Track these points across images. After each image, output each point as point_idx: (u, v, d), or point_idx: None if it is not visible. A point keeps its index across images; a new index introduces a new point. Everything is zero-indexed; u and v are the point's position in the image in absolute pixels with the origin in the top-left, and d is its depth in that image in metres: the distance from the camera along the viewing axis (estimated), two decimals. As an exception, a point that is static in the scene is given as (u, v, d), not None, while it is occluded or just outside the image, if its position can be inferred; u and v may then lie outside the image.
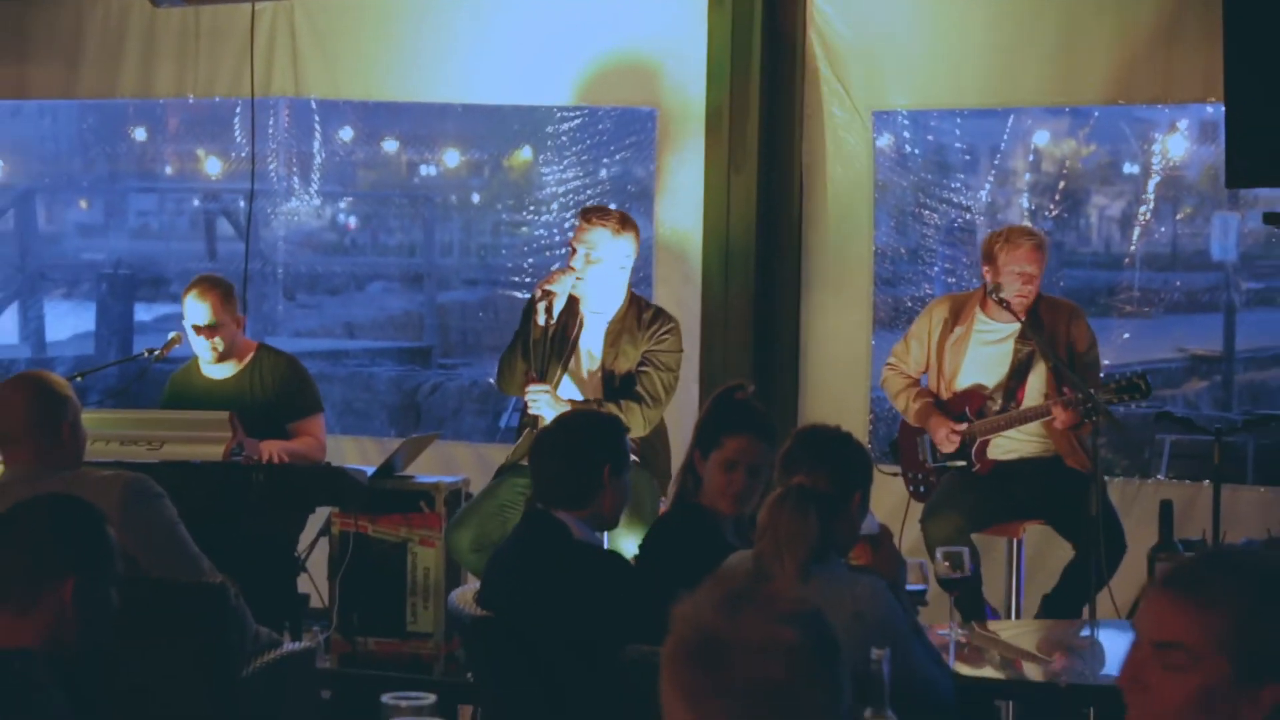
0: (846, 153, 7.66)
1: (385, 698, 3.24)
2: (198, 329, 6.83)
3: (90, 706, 3.63)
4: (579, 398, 6.59)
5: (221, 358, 6.86)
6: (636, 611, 4.22)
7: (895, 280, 8.44)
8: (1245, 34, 6.18)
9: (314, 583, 7.04)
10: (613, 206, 6.98)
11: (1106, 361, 7.04)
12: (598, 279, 6.57)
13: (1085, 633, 5.77)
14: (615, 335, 6.59)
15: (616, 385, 6.56)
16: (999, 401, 6.64)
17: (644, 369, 6.54)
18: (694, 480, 4.91)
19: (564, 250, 6.97)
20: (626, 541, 6.15)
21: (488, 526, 6.37)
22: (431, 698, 3.25)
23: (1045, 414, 6.48)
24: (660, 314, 6.68)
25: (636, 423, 6.45)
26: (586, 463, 4.62)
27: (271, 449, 6.64)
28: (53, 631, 3.51)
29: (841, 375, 7.74)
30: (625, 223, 6.65)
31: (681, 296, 7.53)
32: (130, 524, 4.71)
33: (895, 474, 7.04)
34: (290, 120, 9.29)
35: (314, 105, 9.04)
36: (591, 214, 6.68)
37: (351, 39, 8.26)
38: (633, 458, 5.31)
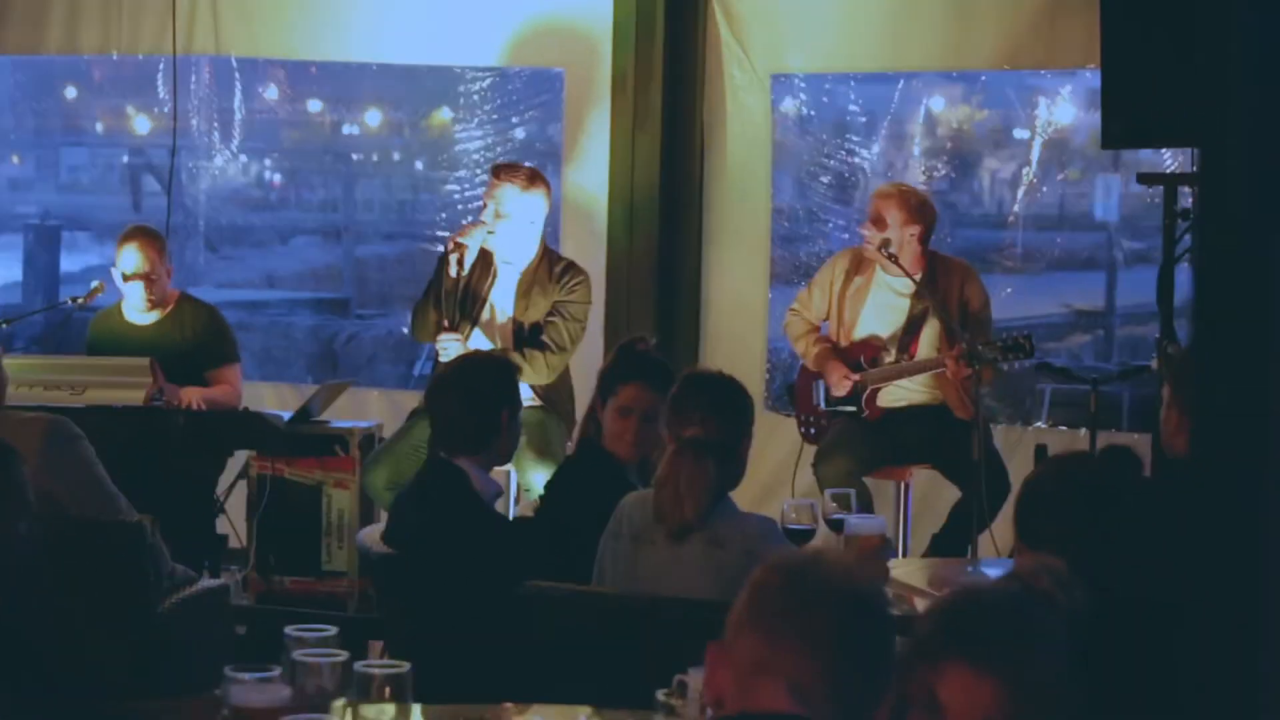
0: (746, 114, 7.88)
1: (289, 630, 3.24)
2: (131, 276, 6.95)
3: (3, 645, 3.64)
4: (486, 342, 6.80)
5: (152, 306, 7.02)
6: (524, 564, 4.46)
7: (794, 238, 8.65)
8: (1120, 1, 6.38)
9: (232, 524, 7.16)
10: (526, 164, 7.16)
11: (997, 316, 7.26)
12: (507, 233, 6.78)
13: (970, 569, 5.96)
14: (527, 286, 6.80)
15: (525, 334, 6.77)
16: (892, 353, 6.85)
17: (552, 319, 6.75)
18: (596, 426, 5.09)
19: (477, 206, 7.18)
20: (536, 476, 6.41)
21: (402, 465, 6.52)
22: (333, 630, 3.26)
23: (939, 366, 6.69)
24: (571, 266, 6.88)
25: (541, 370, 6.69)
26: (485, 408, 4.77)
27: (190, 395, 6.80)
28: None
29: (740, 325, 7.97)
30: (534, 179, 6.85)
31: (588, 251, 7.66)
32: (50, 464, 4.83)
33: (790, 416, 7.29)
34: (214, 79, 9.41)
35: (236, 65, 9.16)
36: (501, 170, 6.89)
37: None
38: (532, 401, 5.53)
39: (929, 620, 2.57)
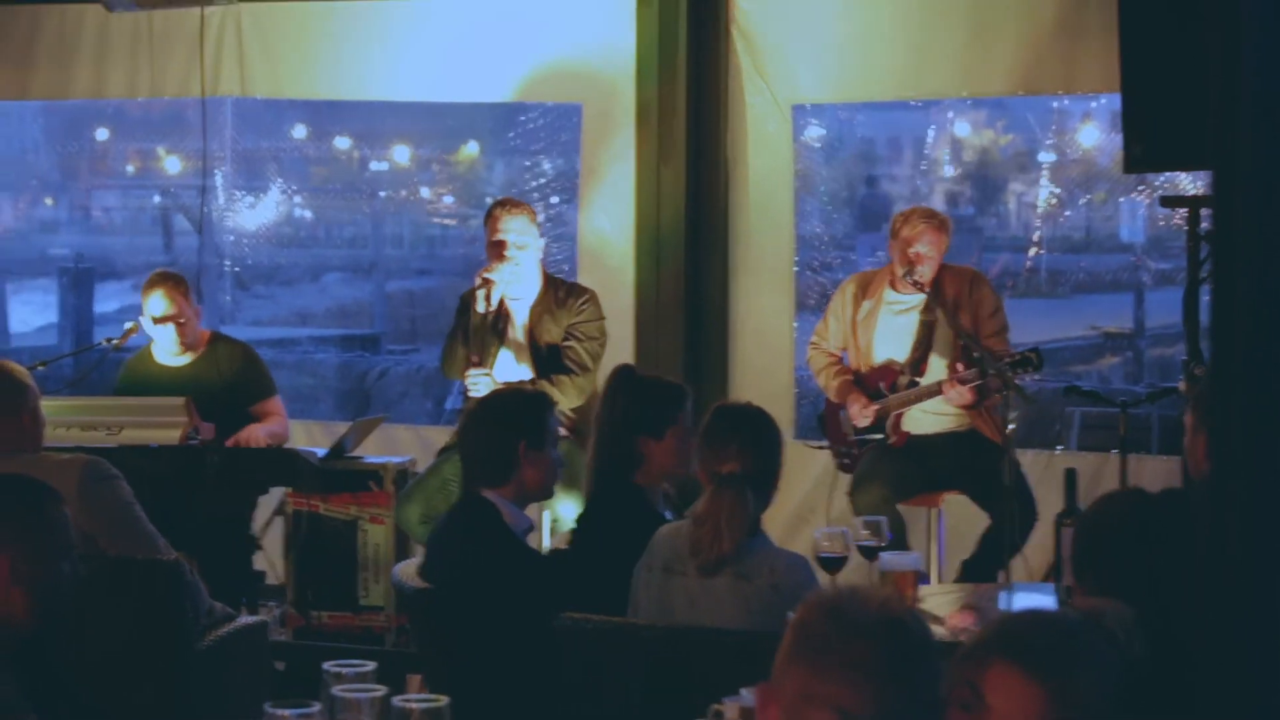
0: (769, 144, 7.92)
1: (327, 665, 3.24)
2: (160, 319, 7.01)
3: (47, 683, 3.63)
4: (517, 370, 6.85)
5: (184, 349, 7.07)
6: (558, 597, 4.48)
7: (819, 266, 8.70)
8: (1139, 26, 6.38)
9: (270, 560, 7.22)
10: (554, 198, 7.23)
11: (1025, 339, 7.25)
12: (529, 262, 6.87)
13: (1002, 595, 5.94)
14: (538, 316, 6.87)
15: (544, 355, 6.83)
16: (908, 375, 6.88)
17: (568, 343, 6.81)
18: (632, 461, 5.08)
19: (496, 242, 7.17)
20: (563, 508, 6.45)
21: (434, 500, 6.59)
22: (371, 665, 3.26)
23: (937, 391, 6.70)
24: (574, 288, 6.97)
25: (570, 393, 6.74)
26: (501, 441, 4.80)
27: (254, 434, 6.89)
28: (1, 610, 3.50)
29: (767, 355, 8.00)
30: (533, 212, 7.00)
31: (606, 282, 7.65)
32: (88, 504, 4.88)
33: (822, 447, 7.32)
34: (244, 119, 9.47)
35: (267, 105, 9.24)
36: (506, 204, 6.95)
37: (294, 41, 8.46)
38: (562, 431, 5.53)
39: (986, 627, 2.63)
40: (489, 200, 7.90)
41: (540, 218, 7.25)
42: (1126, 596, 3.13)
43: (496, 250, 6.86)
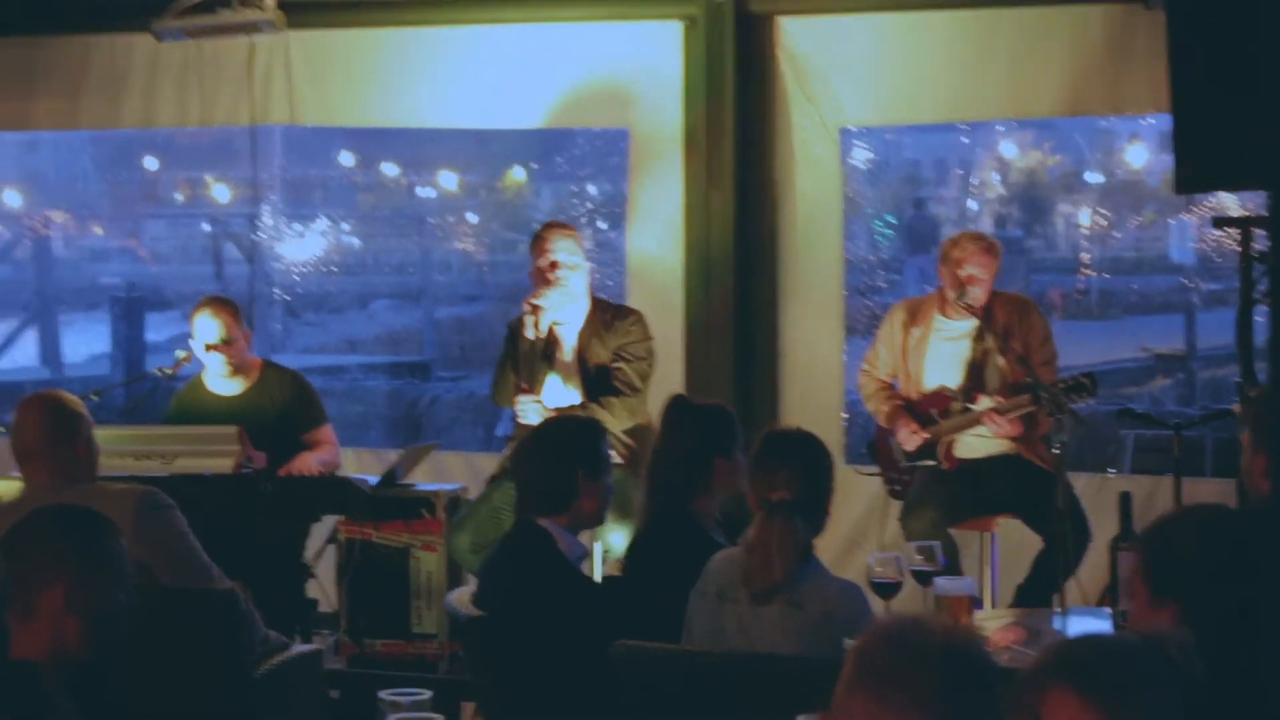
0: (816, 168, 7.92)
1: (382, 694, 3.27)
2: (211, 346, 7.04)
3: (103, 712, 3.64)
4: (566, 394, 6.85)
5: (234, 372, 7.10)
6: (611, 625, 4.48)
7: (867, 289, 8.69)
8: (1188, 47, 6.35)
9: (323, 588, 7.22)
10: (601, 223, 7.25)
11: (1075, 362, 7.22)
12: (578, 284, 6.88)
13: (1057, 619, 5.87)
14: (586, 339, 6.88)
15: (593, 377, 6.83)
16: (960, 402, 6.84)
17: (617, 364, 6.82)
18: (701, 483, 5.06)
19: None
20: (615, 538, 6.44)
21: (484, 528, 6.61)
22: (427, 694, 3.28)
23: (976, 423, 6.69)
24: (622, 309, 6.98)
25: (621, 415, 6.75)
26: (560, 469, 4.82)
27: (305, 464, 6.89)
28: (57, 638, 3.52)
29: (816, 379, 7.98)
30: (578, 234, 7.00)
31: (655, 305, 7.64)
32: (143, 534, 4.88)
33: (874, 474, 7.30)
34: (293, 147, 9.50)
35: (315, 133, 9.27)
36: (553, 227, 6.98)
37: (343, 69, 8.49)
38: (616, 459, 5.54)
39: (1044, 652, 2.63)
40: (535, 226, 7.92)
41: (587, 243, 7.26)
42: (1198, 612, 3.11)
43: (545, 271, 6.87)
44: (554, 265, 6.85)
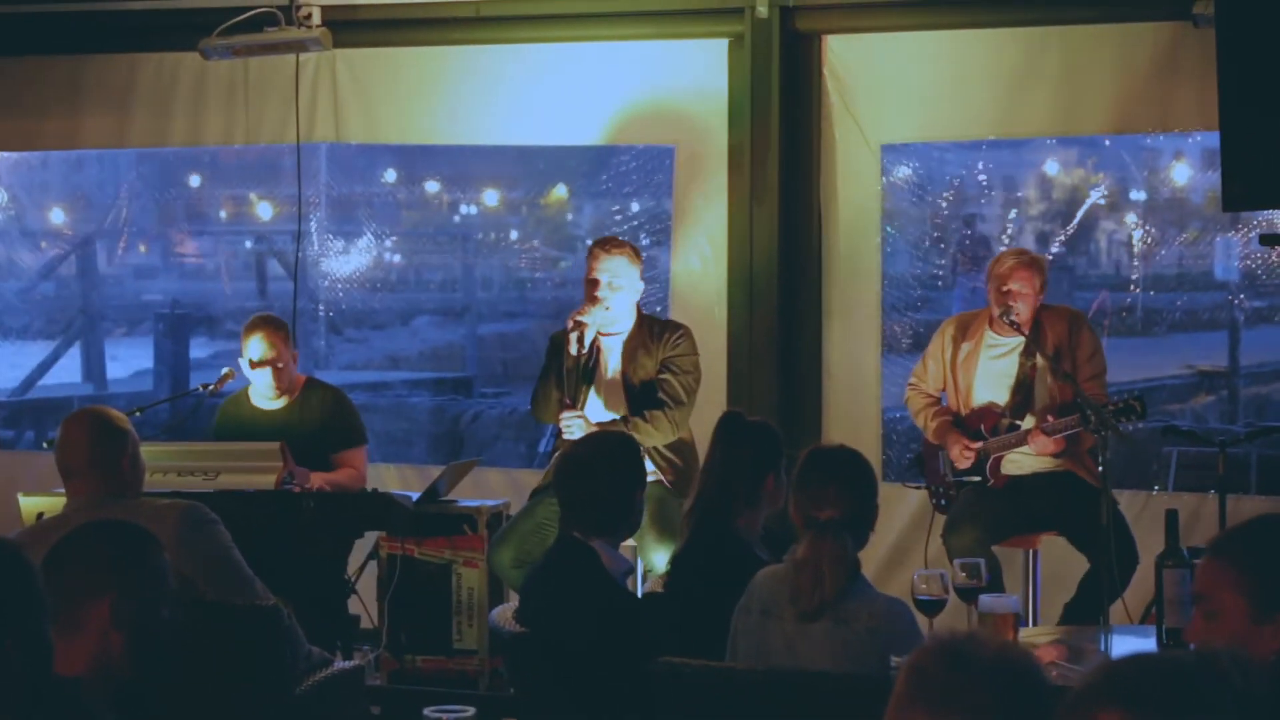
0: (859, 184, 7.92)
1: (427, 711, 3.27)
2: (258, 364, 7.08)
3: None
4: (607, 413, 6.86)
5: (283, 391, 7.14)
6: (655, 642, 4.49)
7: (912, 306, 8.66)
8: (1238, 65, 6.35)
9: (364, 604, 7.23)
10: (644, 240, 7.26)
11: (1120, 379, 7.18)
12: (621, 303, 6.89)
13: (1102, 637, 5.84)
14: (631, 353, 6.89)
15: (638, 393, 6.84)
16: (1009, 419, 6.84)
17: (664, 375, 6.83)
18: (750, 500, 5.05)
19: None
20: (657, 557, 6.44)
21: (528, 544, 6.63)
22: (471, 711, 3.28)
23: (1025, 441, 6.68)
24: (669, 324, 7.01)
25: (666, 429, 6.75)
26: (619, 491, 4.86)
27: (315, 481, 6.88)
28: (101, 654, 3.51)
29: (855, 396, 7.97)
30: (636, 251, 7.01)
31: (700, 322, 7.67)
32: (187, 550, 4.88)
33: (919, 488, 7.28)
34: (335, 164, 9.52)
35: (359, 150, 9.29)
36: (606, 244, 6.98)
37: (389, 86, 8.53)
38: (653, 476, 5.53)
39: (1093, 672, 2.60)
40: (577, 243, 7.92)
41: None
42: None
43: (591, 288, 6.88)
44: (596, 284, 6.87)
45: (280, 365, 7.10)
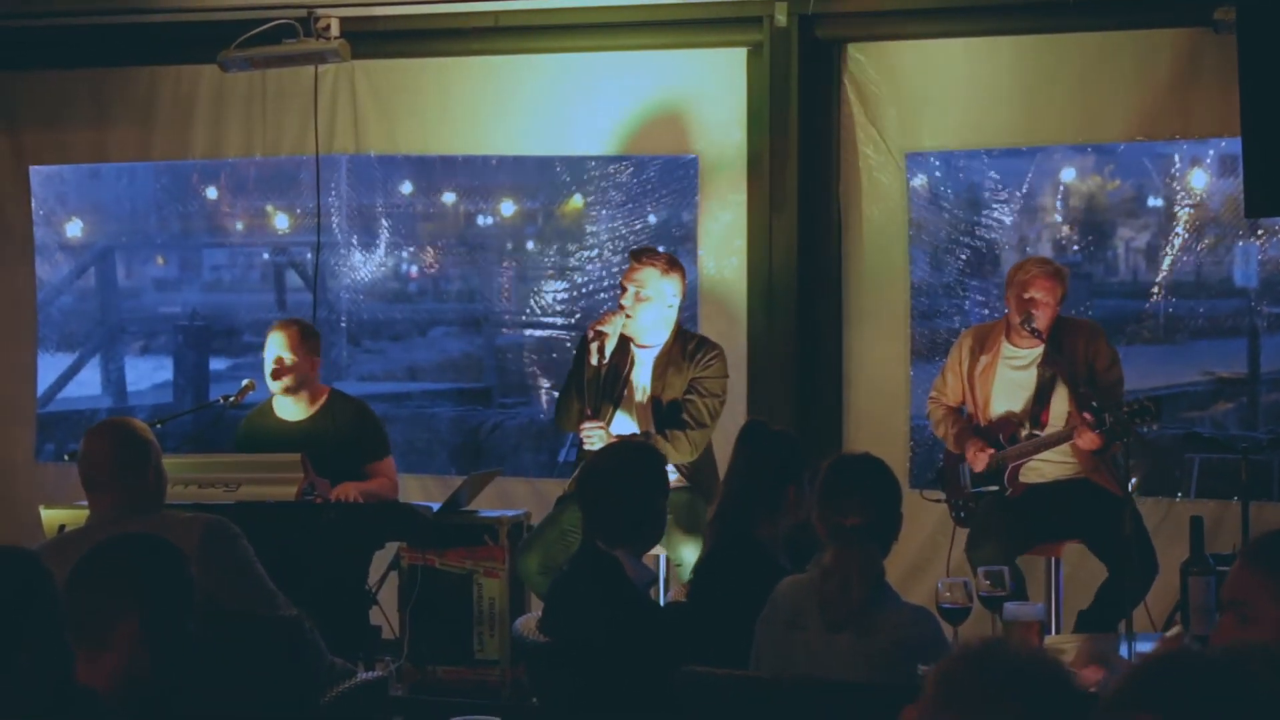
0: (881, 193, 7.91)
1: None
2: (272, 366, 7.07)
3: None
4: (632, 429, 6.85)
5: (288, 390, 7.12)
6: (678, 651, 4.47)
7: (931, 314, 8.65)
8: (1260, 71, 6.35)
9: (385, 615, 7.23)
10: (660, 249, 7.26)
11: (1139, 385, 7.16)
12: (646, 315, 6.87)
13: (1122, 645, 5.90)
14: (662, 367, 6.87)
15: (664, 411, 6.83)
16: (1027, 427, 6.83)
17: (690, 396, 6.81)
18: (772, 508, 5.07)
19: (615, 292, 7.26)
20: (686, 553, 6.44)
21: (552, 550, 6.63)
22: None
23: (1068, 438, 6.65)
24: (704, 343, 6.96)
25: (685, 449, 6.74)
26: (644, 501, 4.87)
27: (347, 490, 6.88)
28: (128, 668, 3.50)
29: (882, 404, 7.96)
30: (673, 264, 6.96)
31: (727, 332, 7.72)
32: (210, 563, 4.85)
33: (940, 500, 7.26)
34: (353, 176, 9.53)
35: (377, 162, 9.30)
36: (641, 255, 6.99)
37: (408, 98, 8.54)
38: (678, 481, 5.53)
39: (1126, 676, 2.59)
40: (595, 253, 7.92)
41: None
42: None
43: (620, 298, 6.92)
44: (623, 292, 6.89)
45: (292, 365, 7.09)
